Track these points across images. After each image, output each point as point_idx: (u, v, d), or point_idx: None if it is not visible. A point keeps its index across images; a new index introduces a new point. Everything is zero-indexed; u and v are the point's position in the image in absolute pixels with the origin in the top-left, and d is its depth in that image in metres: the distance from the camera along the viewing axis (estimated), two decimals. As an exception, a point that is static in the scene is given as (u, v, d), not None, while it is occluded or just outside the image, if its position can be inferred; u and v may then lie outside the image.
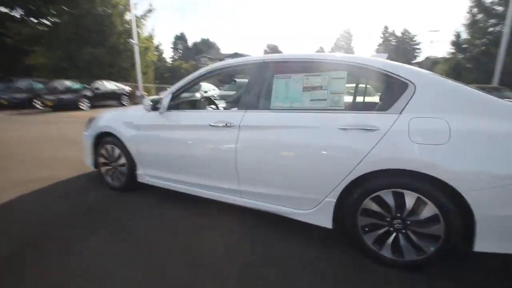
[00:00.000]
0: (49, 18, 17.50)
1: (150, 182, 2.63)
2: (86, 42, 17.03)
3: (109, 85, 13.32)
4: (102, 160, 2.93)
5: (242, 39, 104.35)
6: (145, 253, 1.83)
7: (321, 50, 49.13)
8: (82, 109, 11.40)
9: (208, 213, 2.38)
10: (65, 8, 16.78)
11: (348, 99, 2.77)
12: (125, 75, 18.68)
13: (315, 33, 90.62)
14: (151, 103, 2.43)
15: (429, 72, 1.78)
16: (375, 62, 1.78)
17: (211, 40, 61.65)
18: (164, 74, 36.72)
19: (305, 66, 1.99)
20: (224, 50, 60.92)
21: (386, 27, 43.87)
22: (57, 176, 3.27)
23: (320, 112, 1.84)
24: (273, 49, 54.36)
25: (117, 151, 2.77)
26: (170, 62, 45.44)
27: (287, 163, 1.89)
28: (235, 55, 51.66)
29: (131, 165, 2.70)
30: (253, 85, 2.14)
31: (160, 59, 34.56)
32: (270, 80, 2.07)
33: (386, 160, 1.59)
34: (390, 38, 42.94)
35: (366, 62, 1.80)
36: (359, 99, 2.84)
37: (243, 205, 2.14)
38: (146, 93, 16.16)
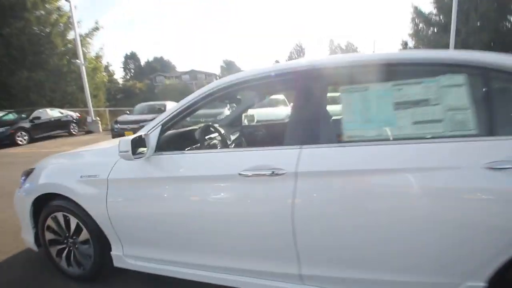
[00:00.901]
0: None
1: (135, 268, 1.64)
2: (21, 66, 14.74)
3: (52, 113, 11.66)
4: (49, 235, 1.86)
5: (198, 56, 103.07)
6: None
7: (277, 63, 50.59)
8: (20, 144, 9.47)
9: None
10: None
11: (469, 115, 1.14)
12: (71, 99, 16.58)
13: (269, 47, 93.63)
14: (131, 145, 1.45)
15: None
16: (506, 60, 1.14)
17: (165, 58, 59.39)
18: (116, 96, 34.14)
19: (390, 71, 1.28)
20: (180, 67, 58.89)
21: (331, 40, 47.35)
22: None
23: (437, 142, 1.13)
24: (230, 65, 54.29)
25: (73, 222, 1.75)
26: (122, 82, 42.58)
27: (390, 229, 1.14)
28: (192, 72, 50.42)
29: (100, 242, 1.69)
30: (304, 105, 1.37)
31: (111, 80, 32.01)
32: (332, 96, 1.32)
33: None
34: (336, 51, 46.01)
35: (492, 59, 1.15)
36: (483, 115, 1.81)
37: (308, 298, 1.32)
38: (99, 118, 14.36)
